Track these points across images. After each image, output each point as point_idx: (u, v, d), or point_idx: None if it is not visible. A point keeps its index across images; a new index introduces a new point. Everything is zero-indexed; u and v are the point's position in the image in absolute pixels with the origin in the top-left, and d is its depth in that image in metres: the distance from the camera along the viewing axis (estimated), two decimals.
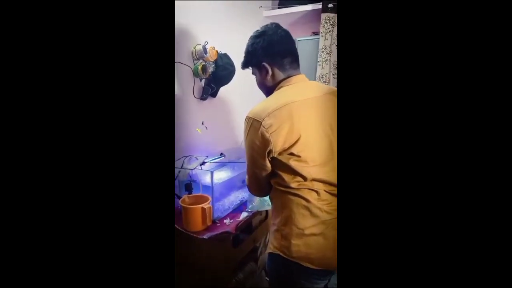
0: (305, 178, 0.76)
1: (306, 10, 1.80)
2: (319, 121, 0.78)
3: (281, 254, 0.79)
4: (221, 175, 1.35)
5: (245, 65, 0.92)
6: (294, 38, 0.91)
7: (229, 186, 1.42)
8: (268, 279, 0.96)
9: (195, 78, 1.38)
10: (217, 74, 1.43)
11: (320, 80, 1.78)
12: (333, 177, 0.78)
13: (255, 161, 0.79)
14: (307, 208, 0.77)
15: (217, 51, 1.41)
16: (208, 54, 1.34)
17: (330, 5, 1.68)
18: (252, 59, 0.87)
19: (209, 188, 1.19)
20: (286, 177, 0.77)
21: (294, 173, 0.76)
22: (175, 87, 1.29)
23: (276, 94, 0.83)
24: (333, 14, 1.69)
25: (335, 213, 0.78)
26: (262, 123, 0.74)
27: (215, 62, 1.41)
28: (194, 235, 1.08)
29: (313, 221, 0.77)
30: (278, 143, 0.74)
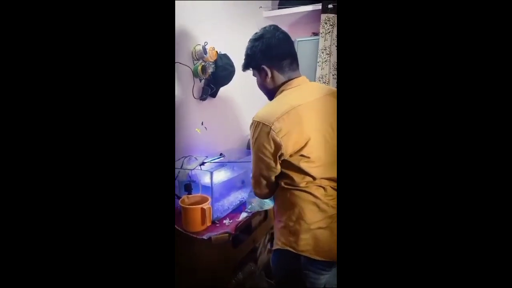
0: (314, 178, 0.79)
1: (306, 11, 1.80)
2: (323, 122, 0.81)
3: (290, 249, 0.82)
4: (221, 176, 1.35)
5: (245, 68, 0.94)
6: (293, 38, 0.93)
7: (229, 187, 1.42)
8: (273, 276, 0.97)
9: (195, 79, 1.38)
10: (217, 75, 1.43)
11: (319, 80, 1.78)
12: None
13: (265, 164, 0.80)
14: (315, 204, 0.80)
15: (217, 51, 1.41)
16: (207, 55, 1.34)
17: (330, 6, 1.69)
18: (251, 62, 0.89)
19: (209, 189, 1.19)
20: (296, 177, 0.80)
21: (304, 173, 0.79)
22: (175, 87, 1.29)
23: (280, 97, 0.86)
24: (332, 15, 1.69)
25: None
26: (272, 127, 0.75)
27: (215, 62, 1.41)
28: (194, 235, 1.08)
29: (321, 216, 0.81)
30: (289, 147, 0.76)
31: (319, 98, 0.84)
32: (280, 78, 0.87)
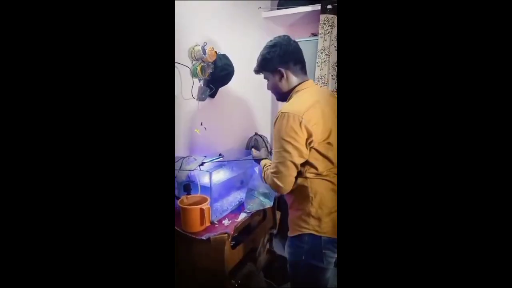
0: (333, 163, 0.92)
1: (305, 11, 1.80)
2: (334, 117, 0.93)
3: (313, 232, 0.94)
4: (220, 176, 1.35)
5: (260, 70, 1.05)
6: (292, 39, 1.02)
7: (228, 187, 1.42)
8: (288, 260, 1.04)
9: (194, 79, 1.38)
10: (216, 75, 1.43)
11: (319, 81, 1.78)
12: None
13: (298, 151, 0.89)
14: (334, 191, 0.94)
15: (216, 51, 1.41)
16: (207, 55, 1.34)
17: (329, 7, 1.69)
18: (268, 64, 1.01)
19: (208, 189, 1.19)
20: (320, 166, 0.92)
21: (329, 161, 0.92)
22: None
23: (299, 95, 0.98)
24: (331, 16, 1.70)
25: None
26: (303, 116, 0.87)
27: (214, 63, 1.41)
28: (193, 236, 1.08)
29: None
30: (318, 135, 0.89)
31: (327, 97, 0.99)
32: (293, 80, 1.00)
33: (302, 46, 1.03)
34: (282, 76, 0.99)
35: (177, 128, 1.31)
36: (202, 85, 1.43)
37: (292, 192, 0.97)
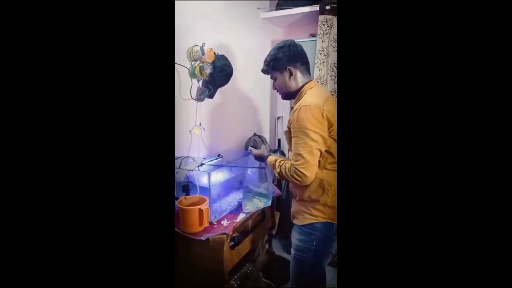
0: None
1: (303, 12, 1.80)
2: None
3: (329, 220, 1.03)
4: (219, 177, 1.35)
5: (269, 69, 1.10)
6: (291, 39, 1.08)
7: (227, 188, 1.42)
8: (298, 249, 1.09)
9: (192, 79, 1.38)
10: (215, 76, 1.43)
11: (318, 81, 1.78)
12: None
13: (323, 138, 0.97)
14: None
15: (214, 52, 1.41)
16: (205, 56, 1.34)
17: (328, 7, 1.69)
18: (277, 64, 1.07)
19: (207, 190, 1.19)
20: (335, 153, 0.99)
21: None
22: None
23: (312, 92, 1.05)
24: (330, 16, 1.70)
25: None
26: (324, 108, 0.95)
27: (213, 63, 1.41)
28: (191, 236, 1.07)
29: None
30: (335, 125, 0.96)
31: (330, 96, 1.08)
32: (301, 79, 1.08)
33: None
34: (291, 75, 1.07)
35: (176, 128, 1.31)
36: (200, 85, 1.43)
37: (308, 184, 1.03)
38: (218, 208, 1.28)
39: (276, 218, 1.58)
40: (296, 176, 0.97)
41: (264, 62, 1.11)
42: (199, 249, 1.10)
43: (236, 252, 1.20)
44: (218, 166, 1.37)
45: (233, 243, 1.23)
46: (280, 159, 1.10)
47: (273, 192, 1.49)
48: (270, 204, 1.35)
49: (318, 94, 1.03)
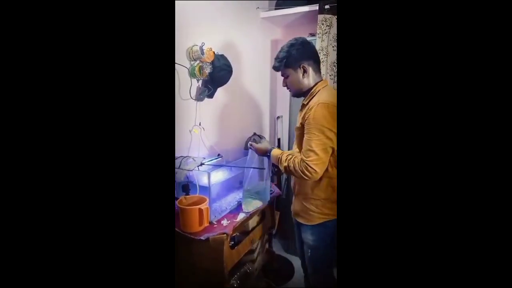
0: None
1: (303, 12, 1.80)
2: None
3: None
4: (218, 176, 1.35)
5: (280, 67, 1.09)
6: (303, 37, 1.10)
7: (227, 187, 1.42)
8: (313, 247, 1.13)
9: (192, 79, 1.37)
10: (214, 75, 1.43)
11: None
12: None
13: (335, 136, 0.96)
14: None
15: (214, 52, 1.41)
16: (205, 55, 1.34)
17: (327, 7, 1.69)
18: (292, 61, 1.06)
19: (206, 189, 1.19)
20: None
21: None
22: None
23: (327, 90, 1.06)
24: (329, 16, 1.70)
25: None
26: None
27: (212, 63, 1.41)
28: (191, 236, 1.07)
29: None
30: None
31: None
32: (314, 77, 1.08)
33: None
34: (305, 72, 1.06)
35: (176, 128, 1.31)
36: (200, 85, 1.43)
37: (317, 181, 1.05)
38: (218, 207, 1.28)
39: (276, 217, 1.58)
40: (306, 172, 0.97)
41: (276, 58, 1.09)
42: (199, 248, 1.10)
43: (236, 251, 1.20)
44: (218, 166, 1.37)
45: (233, 242, 1.23)
46: (287, 152, 1.10)
47: (273, 192, 1.49)
48: (266, 202, 1.35)
49: (334, 93, 1.03)
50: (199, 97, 1.42)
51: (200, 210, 1.07)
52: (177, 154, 1.31)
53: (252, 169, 1.27)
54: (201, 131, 1.47)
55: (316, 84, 1.08)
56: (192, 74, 1.36)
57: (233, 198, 1.38)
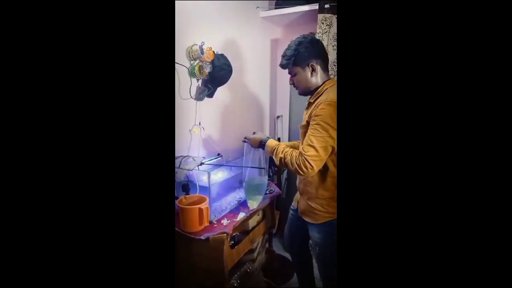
0: None
1: (302, 11, 1.80)
2: None
3: None
4: (218, 176, 1.35)
5: (288, 64, 1.07)
6: (290, 39, 1.05)
7: (227, 187, 1.42)
8: (322, 245, 1.13)
9: (192, 79, 1.37)
10: (214, 75, 1.43)
11: None
12: None
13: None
14: None
15: (213, 51, 1.41)
16: (204, 55, 1.34)
17: (327, 6, 1.69)
18: (301, 59, 1.04)
19: (206, 189, 1.19)
20: None
21: None
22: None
23: (334, 90, 1.02)
24: (329, 15, 1.70)
25: None
26: None
27: (212, 62, 1.41)
28: (191, 235, 1.07)
29: None
30: None
31: None
32: (322, 76, 1.08)
33: None
34: (313, 71, 1.05)
35: (176, 128, 1.31)
36: (200, 85, 1.43)
37: (322, 181, 1.06)
38: (218, 207, 1.28)
39: (276, 217, 1.58)
40: (302, 167, 0.96)
41: (284, 56, 1.08)
42: (199, 248, 1.10)
43: (236, 251, 1.20)
44: (217, 166, 1.37)
45: (233, 242, 1.23)
46: (283, 144, 1.09)
47: (273, 191, 1.49)
48: (262, 196, 1.35)
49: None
50: (199, 97, 1.42)
51: (200, 210, 1.08)
52: (177, 154, 1.31)
53: (250, 161, 1.26)
54: (201, 131, 1.47)
55: (324, 82, 1.08)
56: (192, 74, 1.36)
57: (233, 198, 1.38)
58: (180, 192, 1.24)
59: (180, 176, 1.25)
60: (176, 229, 1.10)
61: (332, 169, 1.04)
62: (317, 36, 1.74)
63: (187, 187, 1.23)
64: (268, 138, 1.16)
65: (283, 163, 1.03)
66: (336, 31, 1.67)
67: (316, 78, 1.07)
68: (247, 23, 1.85)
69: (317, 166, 0.97)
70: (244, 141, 1.24)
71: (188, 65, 1.35)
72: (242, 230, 1.32)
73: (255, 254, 1.39)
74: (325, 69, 1.09)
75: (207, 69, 1.40)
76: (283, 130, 2.26)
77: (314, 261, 1.30)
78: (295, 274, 1.68)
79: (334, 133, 0.95)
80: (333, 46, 1.72)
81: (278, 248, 1.94)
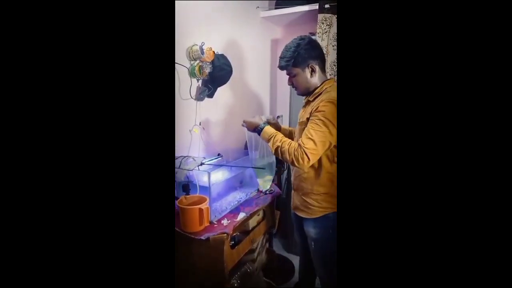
0: None
1: (303, 11, 1.80)
2: None
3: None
4: (219, 176, 1.35)
5: (288, 66, 1.08)
6: (290, 38, 1.07)
7: (227, 187, 1.42)
8: (316, 239, 1.15)
9: (192, 79, 1.37)
10: (214, 75, 1.43)
11: None
12: None
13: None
14: None
15: (214, 51, 1.41)
16: (205, 55, 1.34)
17: (327, 6, 1.69)
18: (300, 60, 1.06)
19: (207, 189, 1.19)
20: None
21: None
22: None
23: (335, 90, 1.04)
24: (329, 15, 1.70)
25: None
26: None
27: (212, 62, 1.41)
28: (192, 236, 1.07)
29: None
30: None
31: None
32: (321, 76, 1.10)
33: None
34: (313, 71, 1.07)
35: (176, 128, 1.31)
36: (200, 85, 1.43)
37: (317, 177, 1.08)
38: (218, 207, 1.28)
39: (276, 217, 1.58)
40: (299, 159, 0.97)
41: (283, 58, 1.08)
42: (199, 248, 1.10)
43: (236, 251, 1.20)
44: (218, 166, 1.37)
45: (233, 242, 1.23)
46: (281, 134, 1.09)
47: (273, 191, 1.49)
48: (273, 174, 1.37)
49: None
50: (199, 97, 1.42)
51: (200, 210, 1.07)
52: (177, 154, 1.31)
53: (254, 145, 1.25)
54: (201, 131, 1.47)
55: (323, 83, 1.09)
56: (192, 74, 1.36)
57: (233, 198, 1.38)
58: (180, 192, 1.24)
59: (180, 176, 1.25)
60: (176, 229, 1.10)
61: (327, 165, 1.06)
62: (317, 36, 1.75)
63: (187, 187, 1.23)
64: (265, 124, 1.15)
65: (280, 153, 1.03)
66: (336, 31, 1.67)
67: (316, 78, 1.09)
68: (247, 23, 1.85)
69: (313, 160, 0.99)
70: (243, 125, 1.23)
71: (188, 65, 1.35)
72: (242, 230, 1.32)
73: (255, 254, 1.39)
74: (323, 69, 1.11)
75: (207, 69, 1.40)
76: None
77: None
78: (295, 274, 1.68)
79: (334, 130, 0.97)
80: (333, 46, 1.72)
81: (278, 248, 1.94)
